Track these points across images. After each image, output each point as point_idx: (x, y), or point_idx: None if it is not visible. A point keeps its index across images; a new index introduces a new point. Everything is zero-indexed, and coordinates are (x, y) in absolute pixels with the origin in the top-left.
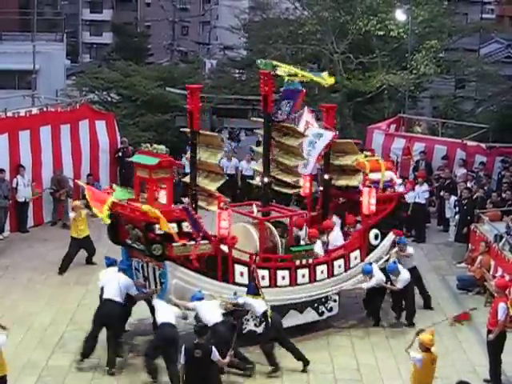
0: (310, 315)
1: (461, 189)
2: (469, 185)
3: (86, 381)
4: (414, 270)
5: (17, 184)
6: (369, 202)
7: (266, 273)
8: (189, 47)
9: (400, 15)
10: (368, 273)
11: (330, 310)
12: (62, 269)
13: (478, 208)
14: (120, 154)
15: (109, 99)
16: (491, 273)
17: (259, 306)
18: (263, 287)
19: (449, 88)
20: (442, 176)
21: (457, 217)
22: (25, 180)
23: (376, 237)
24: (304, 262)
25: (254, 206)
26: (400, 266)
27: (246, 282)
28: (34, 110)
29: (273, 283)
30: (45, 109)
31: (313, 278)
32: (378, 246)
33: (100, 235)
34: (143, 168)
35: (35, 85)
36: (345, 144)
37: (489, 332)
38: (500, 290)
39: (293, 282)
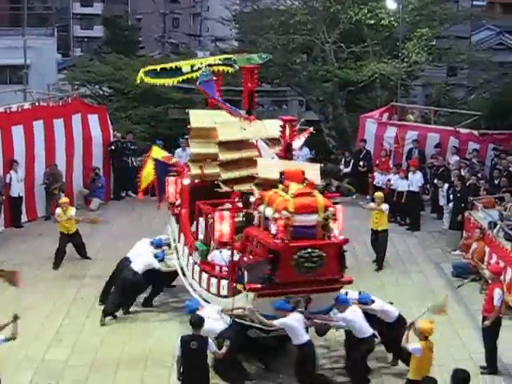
0: None
1: (454, 176)
2: (462, 172)
3: (83, 375)
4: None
5: (10, 179)
6: (214, 227)
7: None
8: (180, 39)
9: (391, 4)
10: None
11: None
12: (56, 264)
13: (471, 195)
14: (113, 147)
15: (101, 93)
16: (486, 259)
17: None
18: None
19: (441, 76)
20: (435, 164)
21: (451, 204)
22: (18, 175)
23: None
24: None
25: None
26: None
27: None
28: (26, 105)
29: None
30: (37, 103)
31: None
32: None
33: (93, 230)
34: None
35: (27, 80)
36: None
37: (484, 319)
38: (495, 276)
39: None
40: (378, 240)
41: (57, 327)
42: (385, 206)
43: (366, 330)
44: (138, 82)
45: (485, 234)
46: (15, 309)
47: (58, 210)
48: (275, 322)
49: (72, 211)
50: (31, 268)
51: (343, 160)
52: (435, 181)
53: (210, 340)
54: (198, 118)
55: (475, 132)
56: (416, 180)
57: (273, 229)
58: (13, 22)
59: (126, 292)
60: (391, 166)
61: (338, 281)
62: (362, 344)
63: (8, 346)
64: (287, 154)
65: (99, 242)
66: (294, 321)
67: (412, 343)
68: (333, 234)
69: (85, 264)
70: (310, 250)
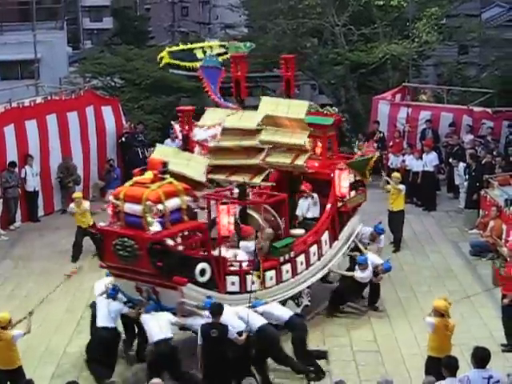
0: None
1: (468, 155)
2: (478, 150)
3: None
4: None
5: (25, 174)
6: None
7: None
8: (190, 28)
9: None
10: None
11: None
12: (75, 257)
13: (487, 173)
14: (123, 139)
15: (112, 84)
16: (504, 237)
17: None
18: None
19: (452, 55)
20: (450, 143)
21: (466, 183)
22: (33, 170)
23: None
24: None
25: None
26: None
27: None
28: (39, 99)
29: None
30: (49, 97)
31: None
32: None
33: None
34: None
35: (38, 74)
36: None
37: (503, 297)
38: None
39: None
40: (394, 221)
41: (77, 319)
42: (402, 186)
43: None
44: (162, 63)
45: (501, 212)
46: (35, 302)
47: (72, 205)
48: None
49: (86, 205)
50: (49, 262)
51: (357, 142)
52: (450, 160)
53: (230, 327)
54: (270, 105)
55: (489, 110)
56: (430, 160)
57: None
58: (22, 16)
59: None
60: (405, 146)
61: (164, 278)
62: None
63: (29, 340)
64: (184, 145)
65: None
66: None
67: (428, 317)
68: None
69: None
70: (124, 238)
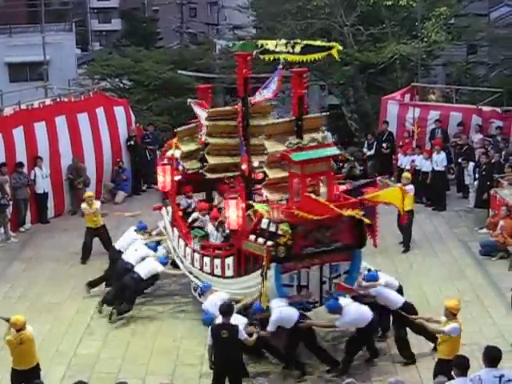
0: None
1: (478, 154)
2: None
3: (116, 367)
4: None
5: (35, 176)
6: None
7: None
8: (198, 29)
9: None
10: None
11: None
12: (84, 258)
13: (496, 173)
14: (132, 142)
15: (121, 86)
16: None
17: None
18: None
19: (461, 54)
20: (458, 143)
21: (476, 183)
22: (43, 171)
23: None
24: None
25: None
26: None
27: None
28: (48, 101)
29: None
30: (58, 99)
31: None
32: None
33: (119, 223)
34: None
35: (47, 76)
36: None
37: None
38: None
39: None
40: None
41: (87, 321)
42: (408, 187)
43: None
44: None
45: (511, 211)
46: (45, 303)
47: (84, 205)
48: None
49: (97, 205)
50: (59, 263)
51: (366, 143)
52: (459, 160)
53: (240, 327)
54: None
55: (498, 109)
56: (440, 160)
57: None
58: (30, 18)
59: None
60: (414, 146)
61: None
62: None
63: (40, 342)
64: None
65: None
66: None
67: (446, 325)
68: None
69: None
70: None
